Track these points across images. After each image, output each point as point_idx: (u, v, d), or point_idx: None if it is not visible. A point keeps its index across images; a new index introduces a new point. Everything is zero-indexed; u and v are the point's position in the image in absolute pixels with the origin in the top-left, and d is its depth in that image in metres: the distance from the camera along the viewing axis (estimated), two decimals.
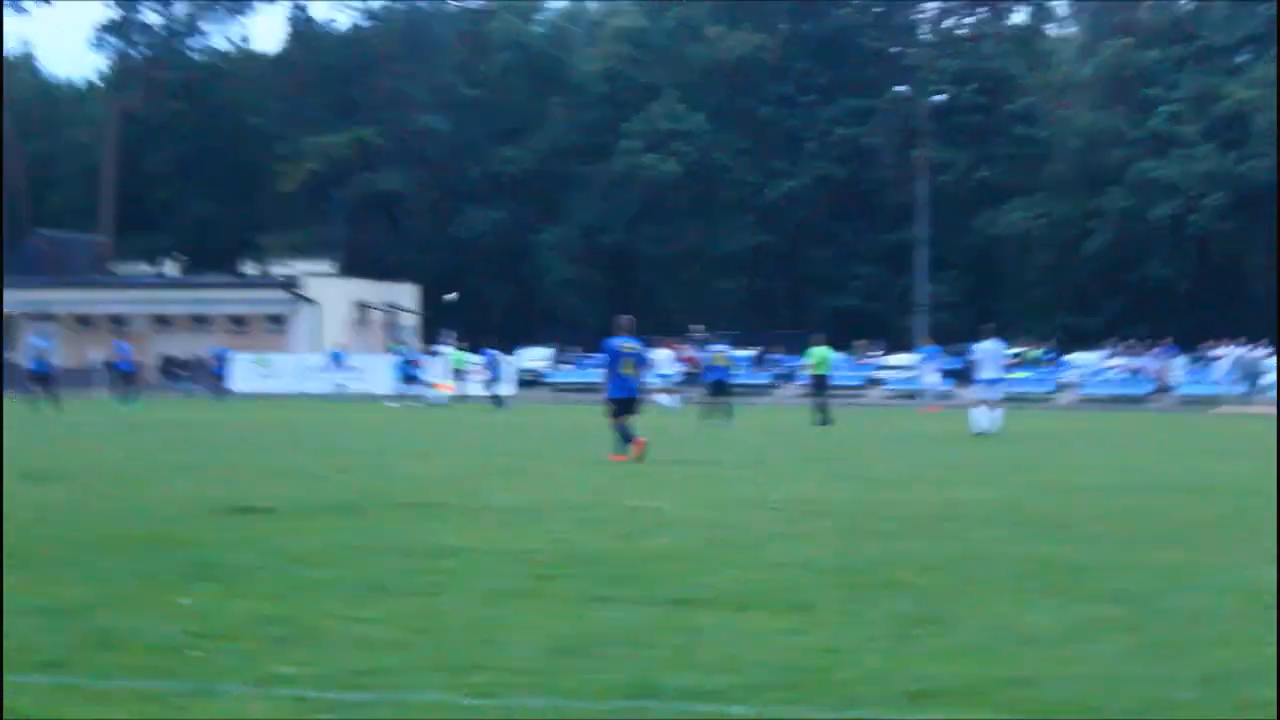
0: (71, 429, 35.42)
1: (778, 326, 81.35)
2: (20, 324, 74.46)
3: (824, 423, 39.93)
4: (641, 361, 25.83)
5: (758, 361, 73.59)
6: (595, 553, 12.80)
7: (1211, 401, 64.57)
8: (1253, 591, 10.84)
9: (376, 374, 65.59)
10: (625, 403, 24.92)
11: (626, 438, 24.40)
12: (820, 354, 43.90)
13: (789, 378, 72.26)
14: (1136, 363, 69.12)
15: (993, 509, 16.82)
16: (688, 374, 55.59)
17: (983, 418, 34.47)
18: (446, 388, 53.76)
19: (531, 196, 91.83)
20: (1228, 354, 68.32)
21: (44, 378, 42.64)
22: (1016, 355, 70.02)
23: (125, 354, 56.71)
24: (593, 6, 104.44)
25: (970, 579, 11.47)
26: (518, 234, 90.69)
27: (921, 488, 19.85)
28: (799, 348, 75.08)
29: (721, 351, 45.85)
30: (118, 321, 76.92)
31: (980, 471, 23.32)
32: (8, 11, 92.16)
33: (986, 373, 35.01)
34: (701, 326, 65.25)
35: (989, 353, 35.28)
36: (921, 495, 18.58)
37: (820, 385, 43.34)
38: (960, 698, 7.65)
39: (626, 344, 25.09)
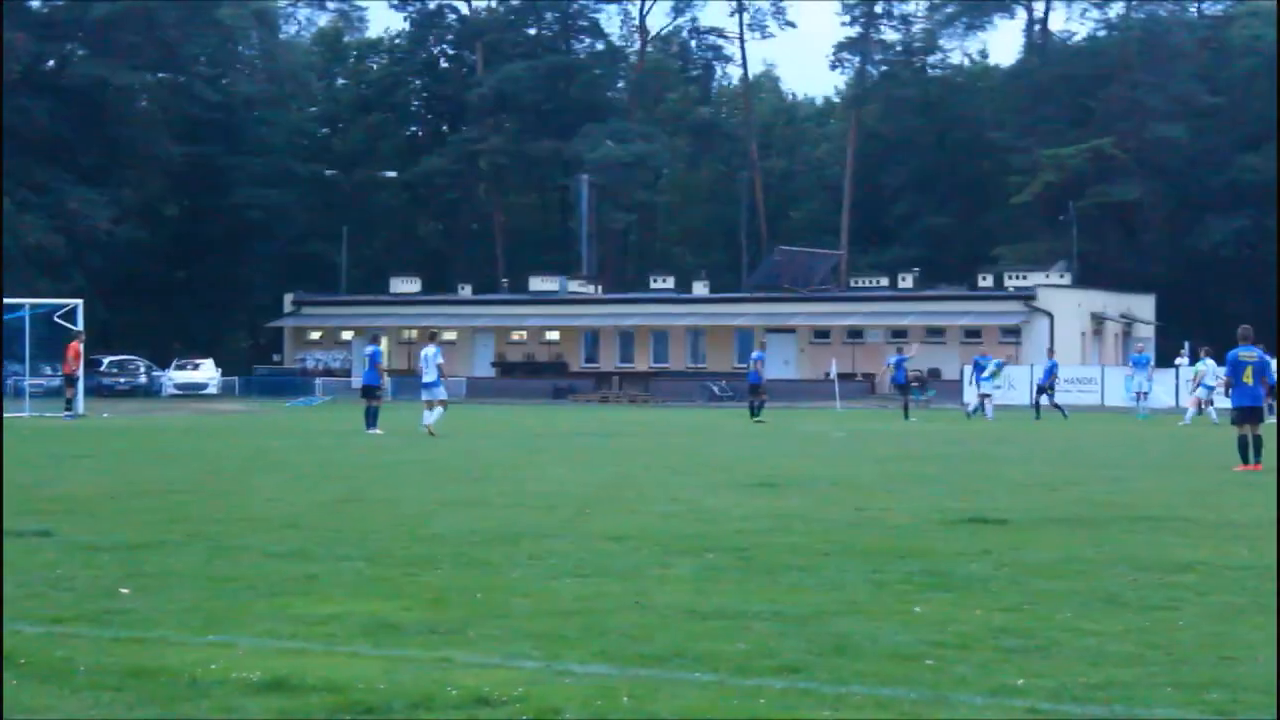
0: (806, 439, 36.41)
1: None
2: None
3: None
4: (1263, 370, 25.45)
5: None
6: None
7: None
8: None
9: (1108, 385, 64.77)
10: (1248, 411, 24.87)
11: (1243, 451, 24.53)
12: None
13: None
14: None
15: None
16: None
17: None
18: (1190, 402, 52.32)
19: (1269, 205, 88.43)
20: None
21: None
22: None
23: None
24: None
25: None
26: (1259, 243, 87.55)
27: None
28: None
29: None
30: (854, 334, 78.70)
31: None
32: (750, 36, 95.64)
33: None
34: None
35: None
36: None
37: None
38: None
39: (1245, 353, 24.93)
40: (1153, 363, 57.66)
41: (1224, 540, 14.47)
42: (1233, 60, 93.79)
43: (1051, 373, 51.94)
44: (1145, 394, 52.75)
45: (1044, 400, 51.45)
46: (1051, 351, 56.90)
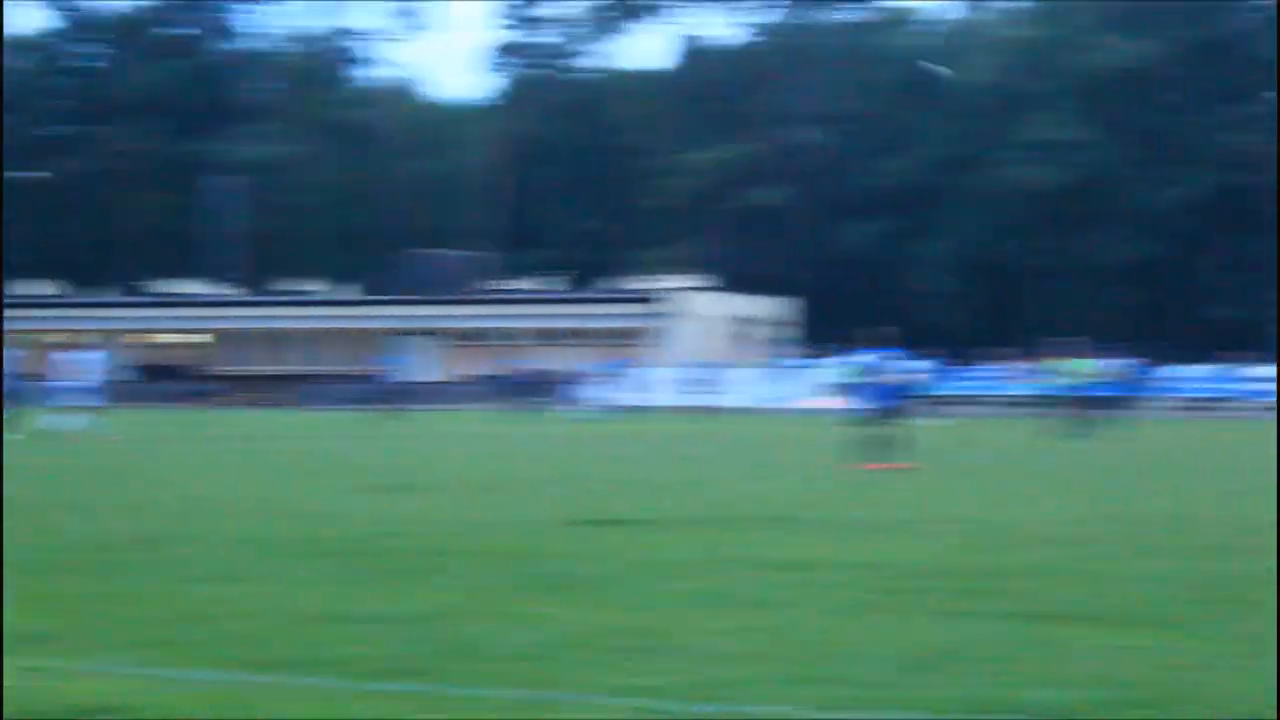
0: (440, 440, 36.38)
1: (1163, 338, 79.06)
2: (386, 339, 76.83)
3: (1077, 436, 38.74)
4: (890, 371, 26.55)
5: (1137, 374, 71.54)
6: (947, 567, 12.69)
7: None
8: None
9: (746, 388, 65.81)
10: (883, 411, 25.73)
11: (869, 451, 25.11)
12: (1076, 366, 43.06)
13: (1174, 391, 70.51)
14: None
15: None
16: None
17: None
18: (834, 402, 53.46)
19: (908, 209, 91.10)
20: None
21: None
22: None
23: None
24: (980, 18, 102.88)
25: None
26: (895, 247, 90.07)
27: None
28: (1186, 359, 73.08)
29: (1087, 365, 44.56)
30: (501, 336, 78.90)
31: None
32: (400, 38, 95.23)
33: None
34: (1085, 338, 63.92)
35: None
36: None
37: (1084, 398, 42.29)
38: None
39: (881, 355, 26.57)
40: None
41: (834, 540, 14.84)
42: (875, 68, 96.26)
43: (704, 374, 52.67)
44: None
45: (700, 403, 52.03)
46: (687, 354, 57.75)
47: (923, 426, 30.96)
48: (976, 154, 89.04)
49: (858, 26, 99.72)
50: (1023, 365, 56.87)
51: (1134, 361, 71.31)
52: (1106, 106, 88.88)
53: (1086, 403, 42.60)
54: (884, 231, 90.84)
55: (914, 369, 51.54)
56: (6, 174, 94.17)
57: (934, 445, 30.48)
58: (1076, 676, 8.29)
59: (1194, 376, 71.99)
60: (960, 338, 79.08)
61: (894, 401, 25.76)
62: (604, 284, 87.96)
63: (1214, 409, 62.39)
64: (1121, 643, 9.30)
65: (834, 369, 50.76)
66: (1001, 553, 13.78)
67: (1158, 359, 71.97)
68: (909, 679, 8.23)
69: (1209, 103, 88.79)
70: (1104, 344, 53.38)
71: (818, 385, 57.73)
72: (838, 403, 48.56)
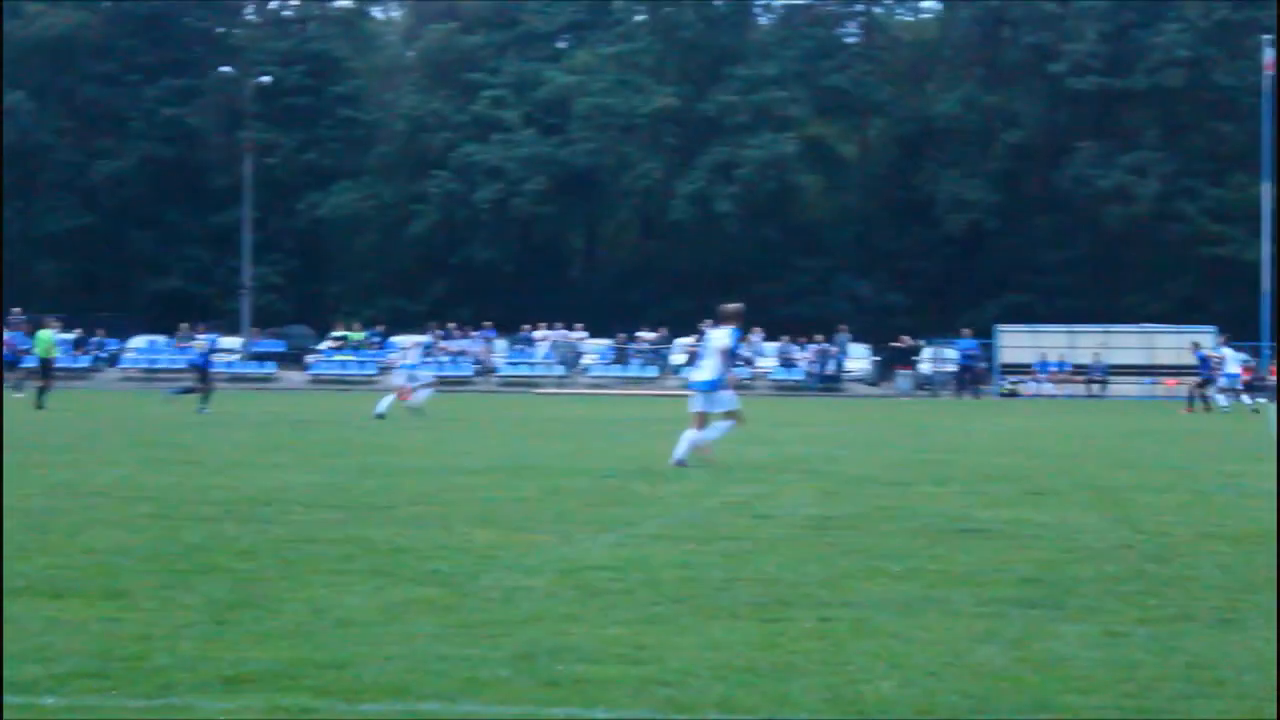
0: None
1: (102, 309, 79.05)
2: None
3: (40, 406, 39.34)
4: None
5: (78, 345, 71.43)
6: None
7: (532, 383, 66.78)
8: (563, 570, 11.25)
9: None
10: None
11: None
12: (45, 337, 43.68)
13: (112, 361, 70.96)
14: (458, 345, 70.45)
15: (316, 492, 16.90)
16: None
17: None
18: None
19: None
20: (548, 336, 70.65)
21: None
22: (341, 338, 70.57)
23: None
24: None
25: (290, 563, 11.48)
26: None
27: (246, 472, 19.75)
28: (122, 331, 73.64)
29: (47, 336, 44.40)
30: None
31: (305, 455, 23.38)
32: None
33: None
34: (18, 309, 63.00)
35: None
36: (246, 479, 18.48)
37: (46, 368, 43.05)
38: (276, 681, 7.65)
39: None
40: None
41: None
42: None
43: None
44: None
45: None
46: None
47: None
48: None
49: None
50: None
51: (82, 332, 71.23)
52: (37, 74, 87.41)
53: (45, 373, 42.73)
54: None
55: None
56: None
57: None
58: (20, 651, 8.19)
59: (140, 348, 72.64)
60: None
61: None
62: None
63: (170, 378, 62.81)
64: (68, 615, 9.26)
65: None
66: None
67: (103, 330, 72.16)
68: None
69: (150, 76, 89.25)
70: (42, 315, 52.87)
71: None
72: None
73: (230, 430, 30.75)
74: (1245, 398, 49.78)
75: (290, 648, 8.43)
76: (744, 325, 23.94)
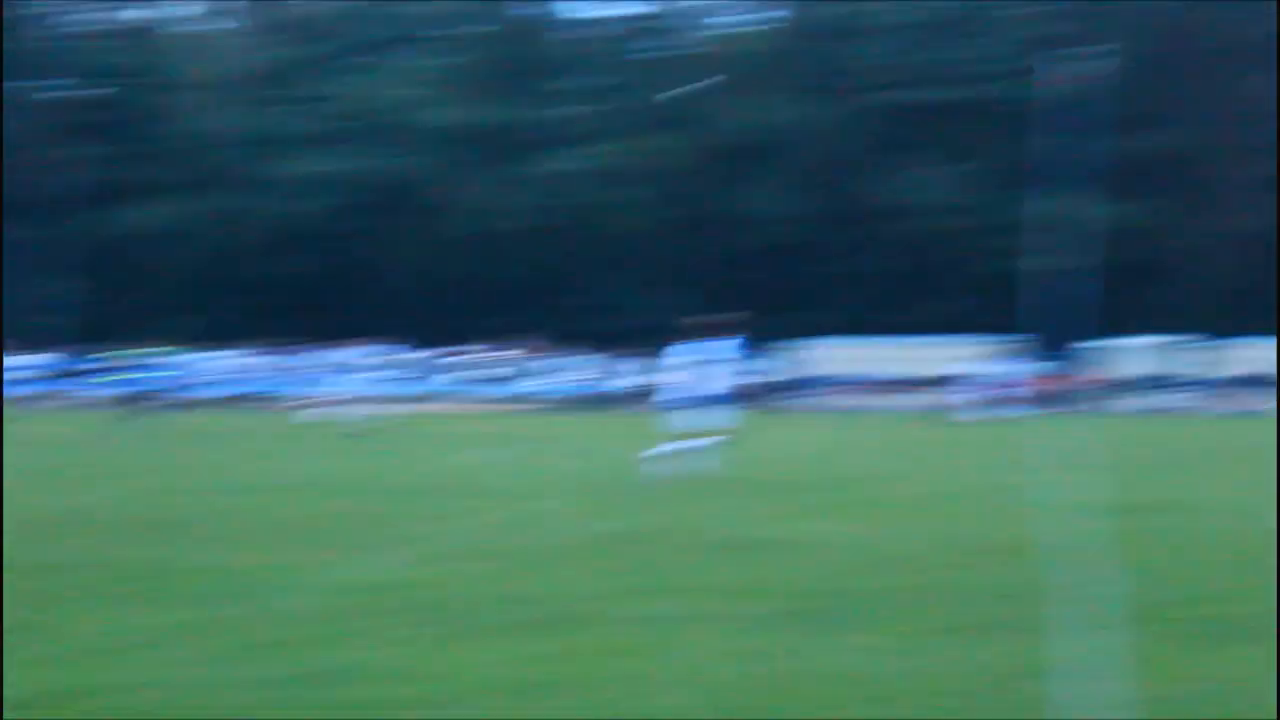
0: None
1: None
2: None
3: None
4: None
5: None
6: None
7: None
8: (340, 590, 11.14)
9: None
10: None
11: None
12: None
13: None
14: (267, 361, 69.16)
15: (93, 514, 16.62)
16: None
17: None
18: None
19: None
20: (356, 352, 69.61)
21: None
22: (126, 356, 69.05)
23: None
24: None
25: (62, 585, 11.30)
26: None
27: (25, 494, 19.33)
28: None
29: None
30: None
31: (87, 476, 22.91)
32: None
33: None
34: None
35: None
36: (25, 501, 18.06)
37: None
38: (43, 708, 7.52)
39: None
40: None
41: None
42: None
43: None
44: None
45: None
46: None
47: None
48: None
49: None
50: None
51: None
52: None
53: None
54: None
55: None
56: None
57: None
58: None
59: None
60: None
61: None
62: None
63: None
64: None
65: None
66: None
67: None
68: None
69: None
70: None
71: None
72: None
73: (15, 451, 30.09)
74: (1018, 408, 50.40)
75: (58, 673, 8.30)
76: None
